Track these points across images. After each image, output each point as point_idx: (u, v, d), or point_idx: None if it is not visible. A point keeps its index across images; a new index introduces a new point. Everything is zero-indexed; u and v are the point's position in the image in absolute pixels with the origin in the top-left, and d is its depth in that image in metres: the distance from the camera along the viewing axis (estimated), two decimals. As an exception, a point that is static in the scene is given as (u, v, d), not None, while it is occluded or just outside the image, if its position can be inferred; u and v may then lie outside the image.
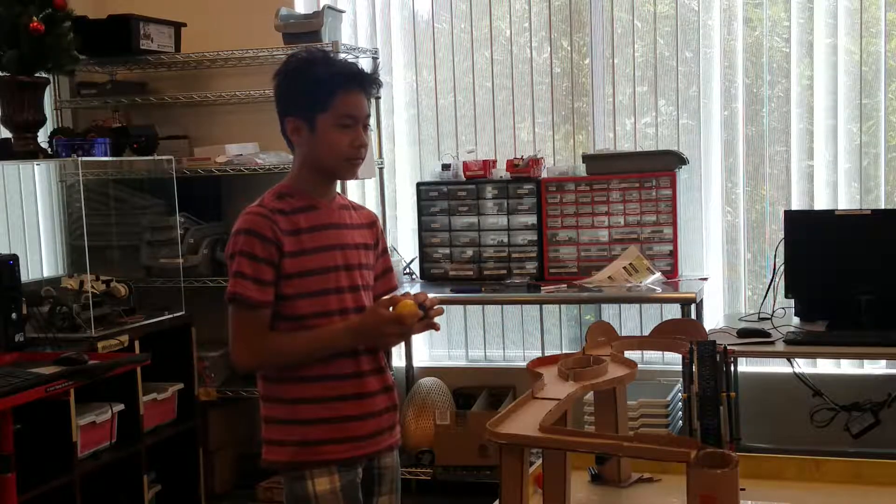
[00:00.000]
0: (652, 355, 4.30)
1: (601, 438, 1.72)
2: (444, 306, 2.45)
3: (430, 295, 2.29)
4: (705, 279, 4.31)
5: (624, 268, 4.20)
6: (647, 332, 2.59)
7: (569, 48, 4.55)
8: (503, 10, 4.62)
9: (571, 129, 4.58)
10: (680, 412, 4.01)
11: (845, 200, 4.24)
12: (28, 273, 4.22)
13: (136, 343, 3.84)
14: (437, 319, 2.28)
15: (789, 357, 3.90)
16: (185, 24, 4.60)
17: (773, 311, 3.89)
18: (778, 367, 4.17)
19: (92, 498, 3.68)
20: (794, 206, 4.28)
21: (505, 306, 4.65)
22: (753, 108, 4.36)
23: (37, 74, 3.68)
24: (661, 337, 2.30)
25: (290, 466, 2.29)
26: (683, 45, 4.41)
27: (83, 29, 3.92)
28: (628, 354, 2.11)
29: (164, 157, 4.27)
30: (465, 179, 4.52)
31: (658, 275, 4.17)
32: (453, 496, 4.36)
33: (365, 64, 4.35)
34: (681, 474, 1.57)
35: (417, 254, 4.61)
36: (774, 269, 3.94)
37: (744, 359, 4.02)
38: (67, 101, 4.67)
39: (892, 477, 2.05)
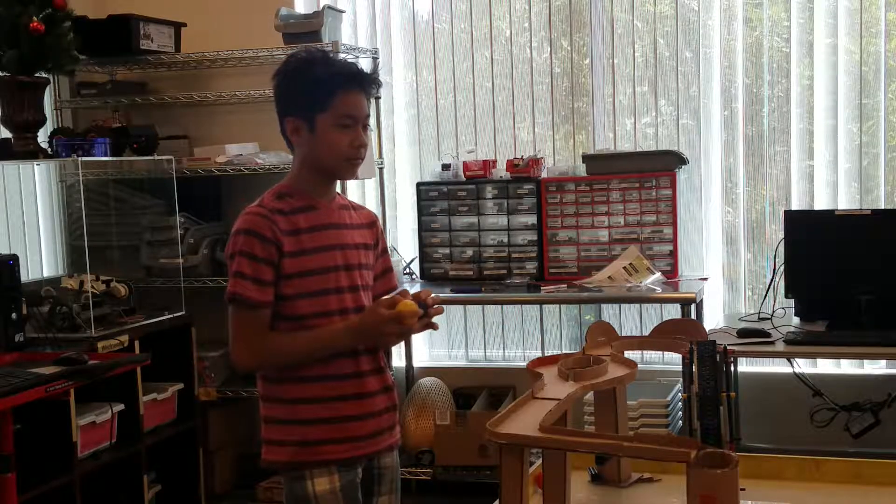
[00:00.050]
0: (652, 355, 4.30)
1: (601, 438, 1.72)
2: (444, 306, 2.45)
3: (432, 294, 2.29)
4: (705, 279, 4.31)
5: (624, 268, 4.20)
6: (647, 332, 2.58)
7: (569, 48, 4.55)
8: (503, 10, 4.62)
9: (571, 129, 4.58)
10: (680, 412, 4.01)
11: (845, 200, 4.24)
12: (28, 273, 4.22)
13: (136, 343, 3.83)
14: (435, 319, 2.27)
15: (789, 357, 3.90)
16: (185, 24, 4.60)
17: (773, 311, 3.89)
18: (778, 367, 4.17)
19: (92, 498, 3.67)
20: (794, 206, 4.28)
21: (505, 306, 4.65)
22: (753, 108, 4.36)
23: (37, 74, 3.68)
24: (661, 337, 2.30)
25: (289, 466, 2.29)
26: (683, 45, 4.41)
27: (83, 29, 3.92)
28: (628, 354, 2.11)
29: (164, 157, 4.27)
30: (465, 179, 4.52)
31: (658, 275, 4.17)
32: (453, 496, 4.36)
33: (365, 64, 4.35)
34: (681, 474, 1.57)
35: (417, 254, 4.61)
36: (774, 269, 3.94)
37: (744, 359, 4.02)
38: (67, 101, 4.67)
39: (892, 477, 2.05)
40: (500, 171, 4.52)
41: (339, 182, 2.48)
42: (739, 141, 4.37)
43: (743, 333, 3.67)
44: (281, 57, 3.49)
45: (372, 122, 2.50)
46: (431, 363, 4.81)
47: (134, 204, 4.55)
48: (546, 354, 3.21)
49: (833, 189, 4.27)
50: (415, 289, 2.31)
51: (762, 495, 2.00)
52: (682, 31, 4.40)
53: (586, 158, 4.38)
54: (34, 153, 3.73)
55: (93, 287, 3.77)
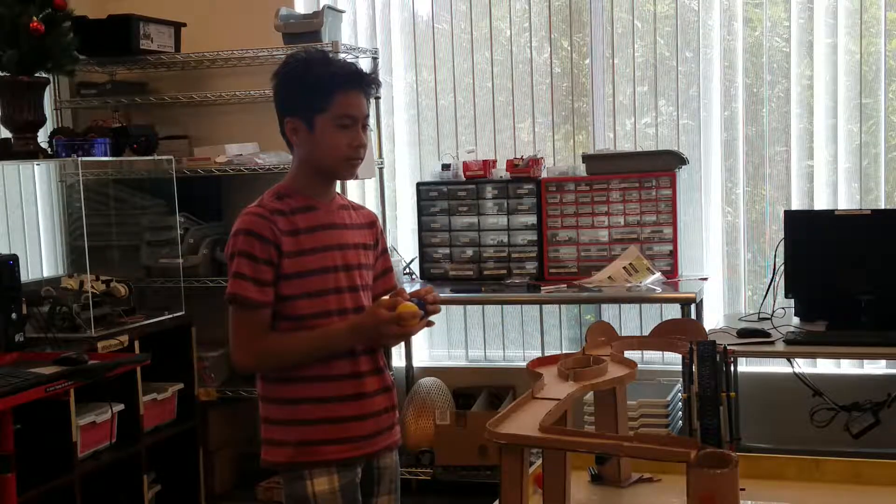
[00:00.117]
0: (652, 355, 4.30)
1: (601, 438, 1.72)
2: (445, 306, 2.46)
3: (432, 290, 2.30)
4: (705, 279, 4.31)
5: (624, 268, 4.20)
6: (647, 332, 2.58)
7: (569, 48, 4.55)
8: (503, 11, 4.62)
9: (571, 129, 4.58)
10: (680, 412, 4.01)
11: (845, 200, 4.24)
12: (28, 273, 4.22)
13: (136, 343, 3.83)
14: (433, 317, 2.28)
15: (789, 357, 3.90)
16: (185, 24, 4.60)
17: (773, 312, 3.89)
18: (778, 367, 4.17)
19: (92, 498, 3.67)
20: (794, 206, 4.29)
21: (505, 306, 4.65)
22: (753, 108, 4.36)
23: (37, 74, 3.68)
24: (661, 337, 2.29)
25: (289, 467, 2.29)
26: (683, 45, 4.41)
27: (83, 29, 3.92)
28: (628, 354, 2.11)
29: (164, 157, 4.27)
30: (465, 179, 4.52)
31: (658, 275, 4.16)
32: (453, 496, 4.36)
33: (365, 64, 4.36)
34: (681, 474, 1.57)
35: (417, 254, 4.61)
36: (774, 269, 3.94)
37: (744, 359, 4.01)
38: (67, 101, 4.67)
39: (892, 477, 2.05)
40: (500, 171, 4.52)
41: (338, 182, 2.48)
42: (739, 141, 4.37)
43: (743, 333, 3.67)
44: (281, 57, 3.50)
45: (372, 122, 2.51)
46: (431, 363, 4.81)
47: (134, 204, 4.55)
48: (546, 354, 3.20)
49: (833, 189, 4.27)
50: (414, 288, 2.31)
51: (762, 495, 2.00)
52: (682, 31, 4.40)
53: (586, 158, 4.38)
54: (34, 153, 3.73)
55: (93, 287, 3.77)
